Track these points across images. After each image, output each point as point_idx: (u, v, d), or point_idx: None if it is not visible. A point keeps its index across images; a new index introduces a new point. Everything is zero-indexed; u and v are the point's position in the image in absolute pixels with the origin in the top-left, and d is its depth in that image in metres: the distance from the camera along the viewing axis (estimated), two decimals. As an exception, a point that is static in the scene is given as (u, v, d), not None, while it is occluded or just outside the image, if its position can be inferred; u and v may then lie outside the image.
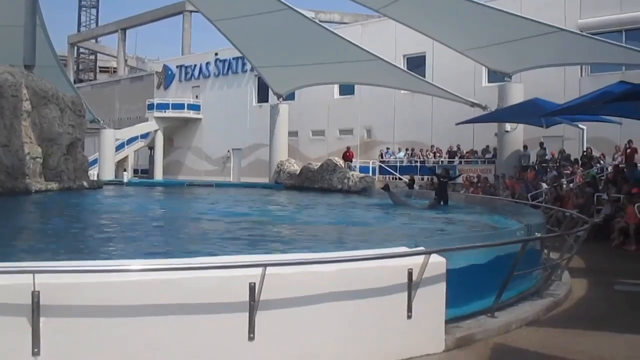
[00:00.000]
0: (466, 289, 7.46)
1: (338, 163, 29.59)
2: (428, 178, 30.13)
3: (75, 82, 55.28)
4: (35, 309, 4.75)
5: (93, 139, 42.18)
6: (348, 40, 26.80)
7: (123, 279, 5.13)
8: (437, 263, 6.57)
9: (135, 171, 50.69)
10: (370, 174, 31.51)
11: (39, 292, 4.75)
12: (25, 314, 4.75)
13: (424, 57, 34.39)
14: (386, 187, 21.82)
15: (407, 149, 33.77)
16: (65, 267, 5.12)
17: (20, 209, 17.33)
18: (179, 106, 49.38)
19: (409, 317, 6.33)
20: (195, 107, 49.72)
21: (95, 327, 5.01)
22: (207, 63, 49.43)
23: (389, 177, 32.56)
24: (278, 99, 33.04)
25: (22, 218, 15.57)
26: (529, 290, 9.03)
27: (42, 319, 4.78)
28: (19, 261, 5.07)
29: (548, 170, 25.06)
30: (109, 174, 39.57)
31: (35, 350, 4.80)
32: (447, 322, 6.73)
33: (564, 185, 21.62)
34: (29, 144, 21.41)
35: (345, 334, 5.99)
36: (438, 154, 31.82)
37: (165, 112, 48.88)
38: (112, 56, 69.61)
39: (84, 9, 77.39)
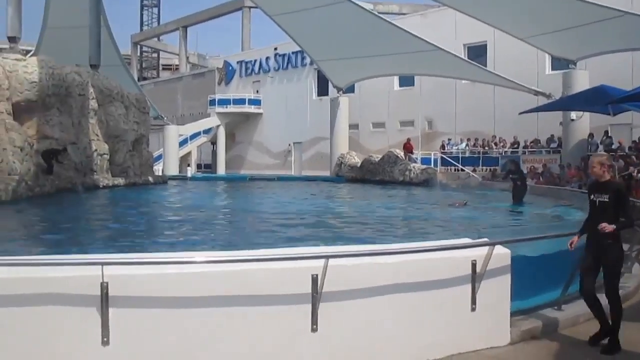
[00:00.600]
0: (532, 281, 7.32)
1: (399, 155, 29.47)
2: (489, 169, 29.69)
3: (138, 80, 56.54)
4: (104, 300, 4.87)
5: (157, 135, 43.00)
6: (407, 31, 26.56)
7: (188, 271, 5.22)
8: (502, 254, 6.46)
9: (199, 166, 51.53)
10: (432, 165, 31.20)
11: (107, 283, 4.87)
12: (95, 304, 4.87)
13: (485, 46, 33.84)
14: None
15: (468, 140, 33.27)
16: (132, 259, 5.23)
17: (90, 204, 17.82)
18: (240, 101, 49.99)
19: (473, 309, 6.25)
20: (256, 102, 50.23)
21: (161, 317, 5.10)
22: (267, 58, 49.81)
23: (452, 169, 32.15)
24: (338, 92, 33.07)
25: (92, 212, 16.02)
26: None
27: (110, 310, 4.90)
28: (88, 253, 5.19)
29: (615, 159, 24.31)
30: (173, 169, 40.32)
31: (105, 339, 4.92)
32: (512, 314, 6.61)
33: (634, 174, 20.96)
34: (96, 141, 22.05)
35: (408, 326, 5.95)
36: (501, 144, 31.24)
37: (226, 107, 49.52)
38: (174, 54, 70.72)
39: (145, 8, 78.92)
